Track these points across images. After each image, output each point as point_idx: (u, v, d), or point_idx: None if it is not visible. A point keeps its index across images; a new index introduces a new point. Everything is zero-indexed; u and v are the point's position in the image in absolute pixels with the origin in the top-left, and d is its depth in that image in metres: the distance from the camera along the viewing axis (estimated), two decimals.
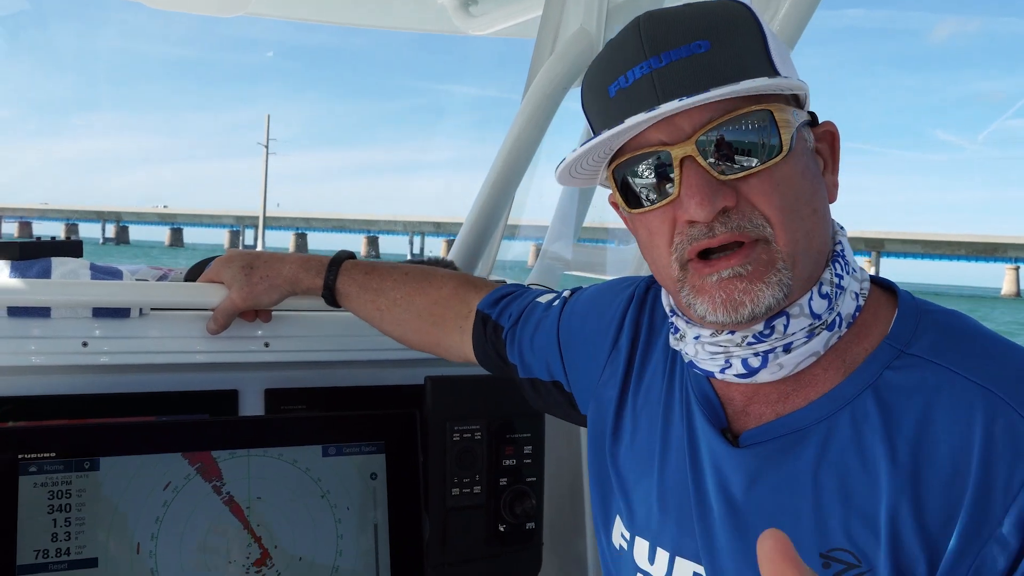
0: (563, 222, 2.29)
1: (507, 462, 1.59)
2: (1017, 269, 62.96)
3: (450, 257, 2.12)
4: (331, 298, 1.45)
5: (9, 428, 1.32)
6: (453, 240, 2.32)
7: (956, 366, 0.88)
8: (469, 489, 1.55)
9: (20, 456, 1.27)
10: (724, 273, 0.89)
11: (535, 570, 1.65)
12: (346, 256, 1.48)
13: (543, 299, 1.33)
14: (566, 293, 1.32)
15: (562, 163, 0.96)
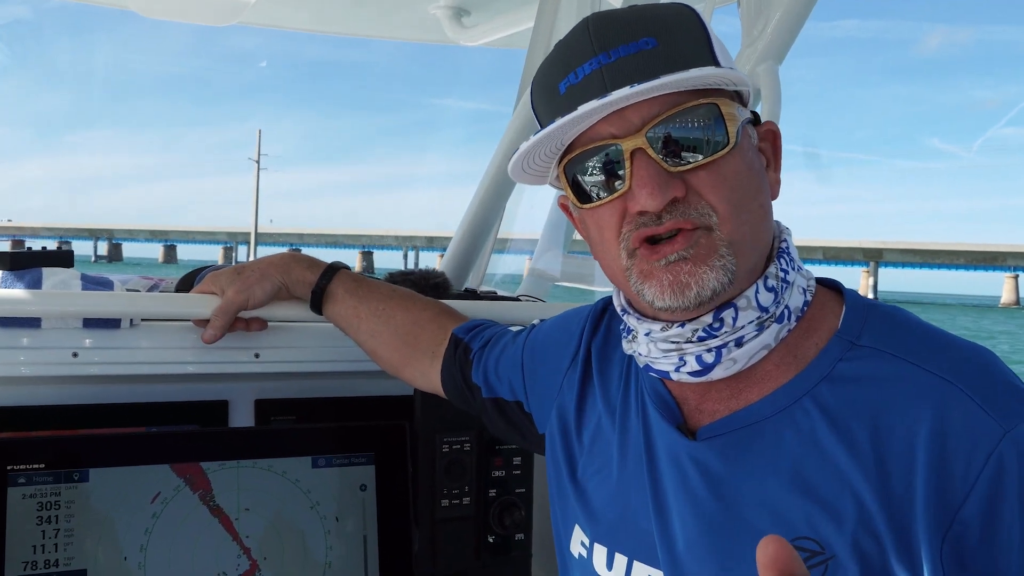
0: (553, 234, 2.30)
1: (496, 473, 1.59)
2: (1016, 278, 62.96)
3: (440, 269, 2.13)
4: (319, 295, 1.45)
5: None
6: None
7: (907, 355, 0.90)
8: (458, 500, 1.56)
9: (9, 467, 1.27)
10: (671, 257, 0.91)
11: None
12: (343, 265, 1.50)
13: (513, 329, 1.38)
14: (535, 321, 1.36)
15: (515, 154, 0.97)
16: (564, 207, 1.07)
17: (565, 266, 2.25)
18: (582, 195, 0.97)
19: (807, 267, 1.02)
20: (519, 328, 1.38)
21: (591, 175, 0.94)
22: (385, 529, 1.47)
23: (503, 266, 2.47)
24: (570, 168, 0.96)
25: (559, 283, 2.30)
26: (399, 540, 1.48)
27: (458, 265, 2.18)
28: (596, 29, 0.93)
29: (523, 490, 1.62)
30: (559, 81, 0.94)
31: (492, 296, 1.94)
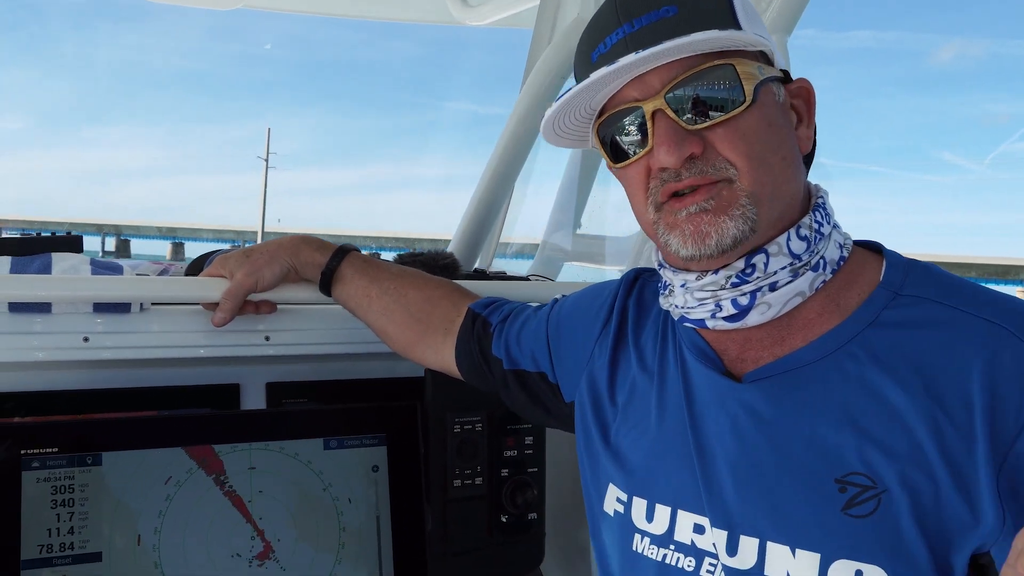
0: (563, 213, 2.29)
1: (508, 453, 1.59)
2: None
3: (450, 250, 2.12)
4: (328, 276, 1.45)
5: (12, 424, 1.32)
6: None
7: (952, 302, 0.94)
8: (471, 480, 1.56)
9: (23, 452, 1.28)
10: (691, 208, 0.96)
11: (537, 561, 1.65)
12: (352, 247, 1.51)
13: (532, 305, 1.40)
14: (558, 296, 1.38)
15: (544, 119, 1.04)
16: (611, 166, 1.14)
17: (576, 245, 2.25)
18: (615, 155, 1.03)
19: None
20: (537, 304, 1.39)
21: (619, 136, 1.01)
22: (398, 510, 1.47)
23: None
24: (602, 130, 1.03)
25: (570, 262, 2.30)
26: (412, 520, 1.48)
27: (467, 246, 2.17)
28: (622, 2, 0.99)
29: (535, 469, 1.62)
30: (591, 51, 1.01)
31: (502, 276, 1.93)
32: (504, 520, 1.59)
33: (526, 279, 1.95)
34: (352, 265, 1.45)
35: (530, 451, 1.62)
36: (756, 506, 0.96)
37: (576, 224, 2.29)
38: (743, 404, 1.00)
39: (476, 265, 2.24)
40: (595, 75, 0.95)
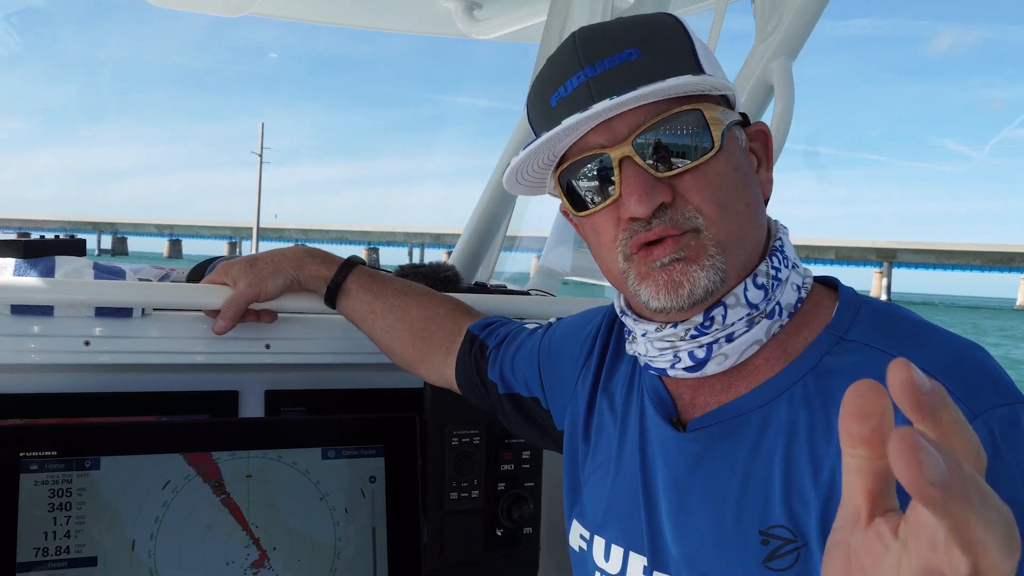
0: (563, 229, 2.30)
1: (505, 467, 1.59)
2: None
3: (451, 262, 2.12)
4: (334, 291, 1.45)
5: (11, 426, 1.32)
6: (451, 252, 2.34)
7: (888, 347, 0.91)
8: (467, 494, 1.56)
9: (21, 454, 1.28)
10: (664, 260, 0.94)
11: (531, 575, 1.65)
12: (359, 260, 1.51)
13: (529, 326, 1.39)
14: (552, 320, 1.38)
15: (507, 169, 1.00)
16: (565, 213, 1.11)
17: (575, 261, 2.25)
18: (577, 203, 1.00)
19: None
20: (535, 325, 1.39)
21: (584, 184, 0.98)
22: (394, 521, 1.47)
23: (509, 266, 2.47)
24: (564, 177, 1.00)
25: (569, 278, 2.30)
26: (408, 532, 1.48)
27: (468, 259, 2.18)
28: (583, 43, 0.96)
29: (532, 484, 1.62)
30: (551, 94, 0.97)
31: (502, 290, 1.94)
32: (499, 534, 1.59)
33: (527, 293, 1.95)
34: (358, 280, 1.45)
35: (527, 465, 1.62)
36: (686, 556, 0.97)
37: (576, 240, 2.30)
38: (683, 453, 1.00)
39: (477, 278, 2.24)
40: (567, 122, 0.91)
